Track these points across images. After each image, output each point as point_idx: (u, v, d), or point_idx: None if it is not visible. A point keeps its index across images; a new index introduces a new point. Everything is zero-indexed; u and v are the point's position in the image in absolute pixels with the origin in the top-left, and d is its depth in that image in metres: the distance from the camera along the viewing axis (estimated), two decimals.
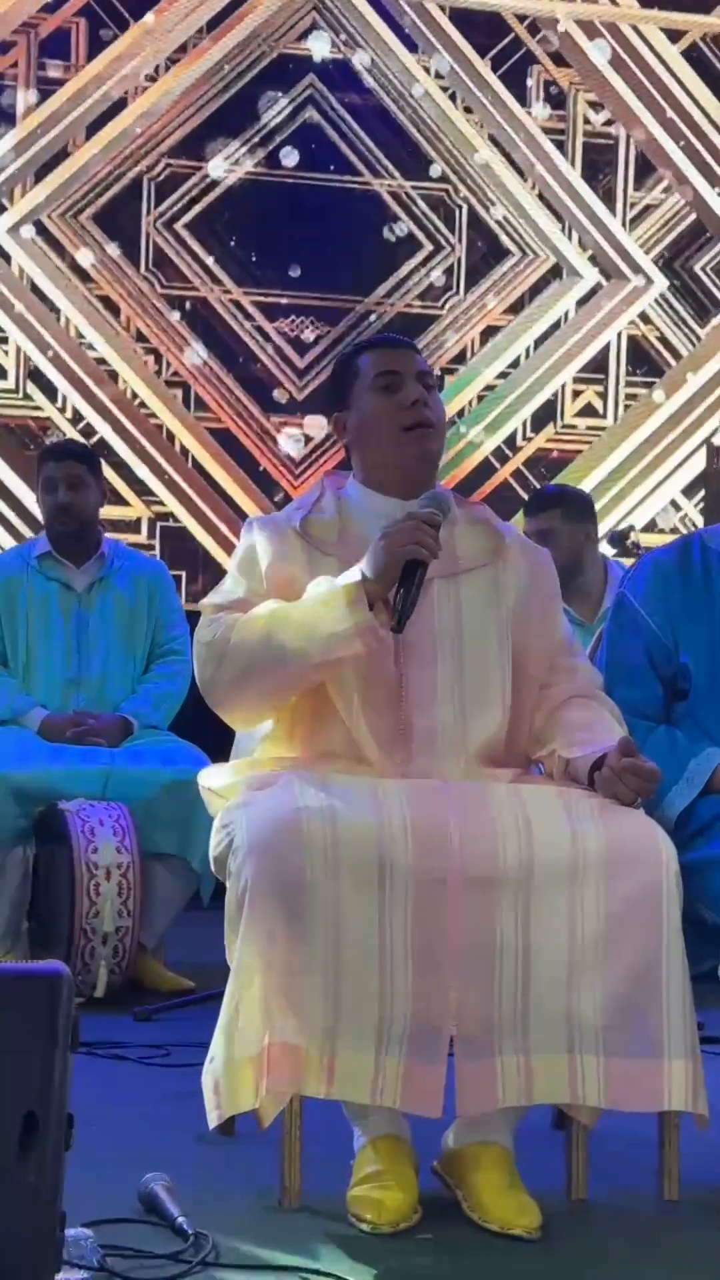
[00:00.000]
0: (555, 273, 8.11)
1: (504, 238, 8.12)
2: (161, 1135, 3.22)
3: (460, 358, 8.08)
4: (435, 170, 8.03)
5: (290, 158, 7.95)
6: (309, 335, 7.91)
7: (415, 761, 2.97)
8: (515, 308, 8.15)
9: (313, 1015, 2.68)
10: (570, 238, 8.11)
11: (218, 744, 3.41)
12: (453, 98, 8.01)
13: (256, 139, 7.97)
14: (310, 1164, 2.82)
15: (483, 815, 2.79)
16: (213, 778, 3.13)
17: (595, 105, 8.24)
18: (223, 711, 3.07)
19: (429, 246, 8.06)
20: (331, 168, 8.00)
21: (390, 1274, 2.54)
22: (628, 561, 5.42)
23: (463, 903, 2.74)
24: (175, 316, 7.68)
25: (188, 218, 7.89)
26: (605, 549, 5.61)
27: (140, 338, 7.72)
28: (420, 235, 8.06)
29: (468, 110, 8.02)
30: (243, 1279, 2.49)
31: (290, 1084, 2.69)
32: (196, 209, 7.89)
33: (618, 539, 5.46)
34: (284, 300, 7.92)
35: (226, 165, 7.92)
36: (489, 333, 8.14)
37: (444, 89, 8.00)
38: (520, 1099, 2.75)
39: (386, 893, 2.73)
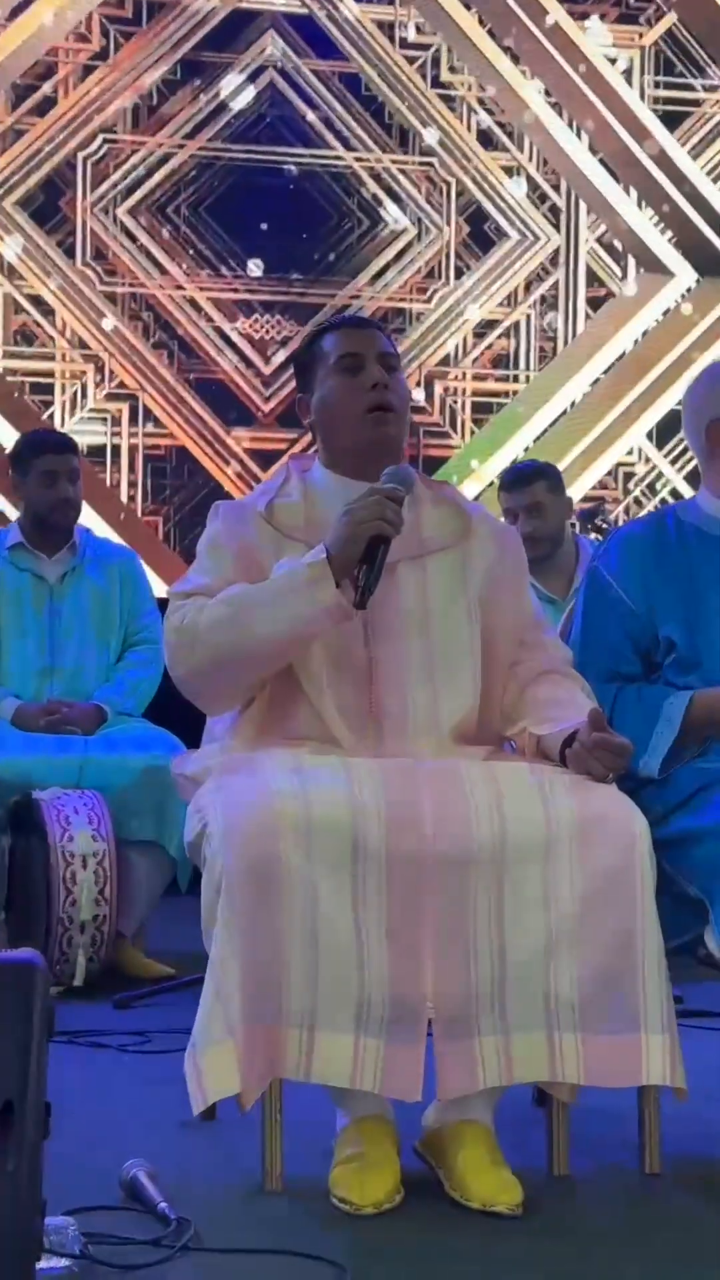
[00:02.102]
0: (542, 260, 7.23)
1: (502, 220, 7.23)
2: (143, 1122, 3.22)
3: (449, 359, 7.23)
4: (427, 138, 7.15)
5: (250, 130, 7.06)
6: (275, 336, 7.10)
7: (387, 743, 2.97)
8: (510, 300, 7.30)
9: (291, 999, 2.69)
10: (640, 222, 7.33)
11: (192, 730, 3.40)
12: (480, 20, 7.10)
13: (210, 108, 7.07)
14: (291, 1147, 2.82)
15: (456, 794, 2.79)
16: (186, 764, 3.14)
17: (610, 60, 7.36)
18: (195, 697, 3.07)
19: (413, 230, 7.27)
20: (304, 123, 7.09)
21: (373, 1255, 2.55)
22: (596, 537, 5.43)
23: (437, 883, 2.74)
24: (119, 316, 6.85)
25: (131, 201, 7.01)
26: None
27: (80, 344, 6.89)
28: (404, 217, 7.23)
29: (508, 52, 7.05)
30: (225, 1263, 2.49)
31: (269, 1068, 2.70)
32: (141, 191, 7.02)
33: (588, 516, 5.47)
34: (246, 296, 7.14)
35: (175, 140, 6.98)
36: (483, 328, 7.28)
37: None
38: (500, 1079, 2.75)
39: (360, 875, 2.73)
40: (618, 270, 7.52)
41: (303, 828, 2.72)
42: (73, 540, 5.08)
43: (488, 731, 3.10)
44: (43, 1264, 2.25)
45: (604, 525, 5.47)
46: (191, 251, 7.09)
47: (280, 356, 7.09)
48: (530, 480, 5.25)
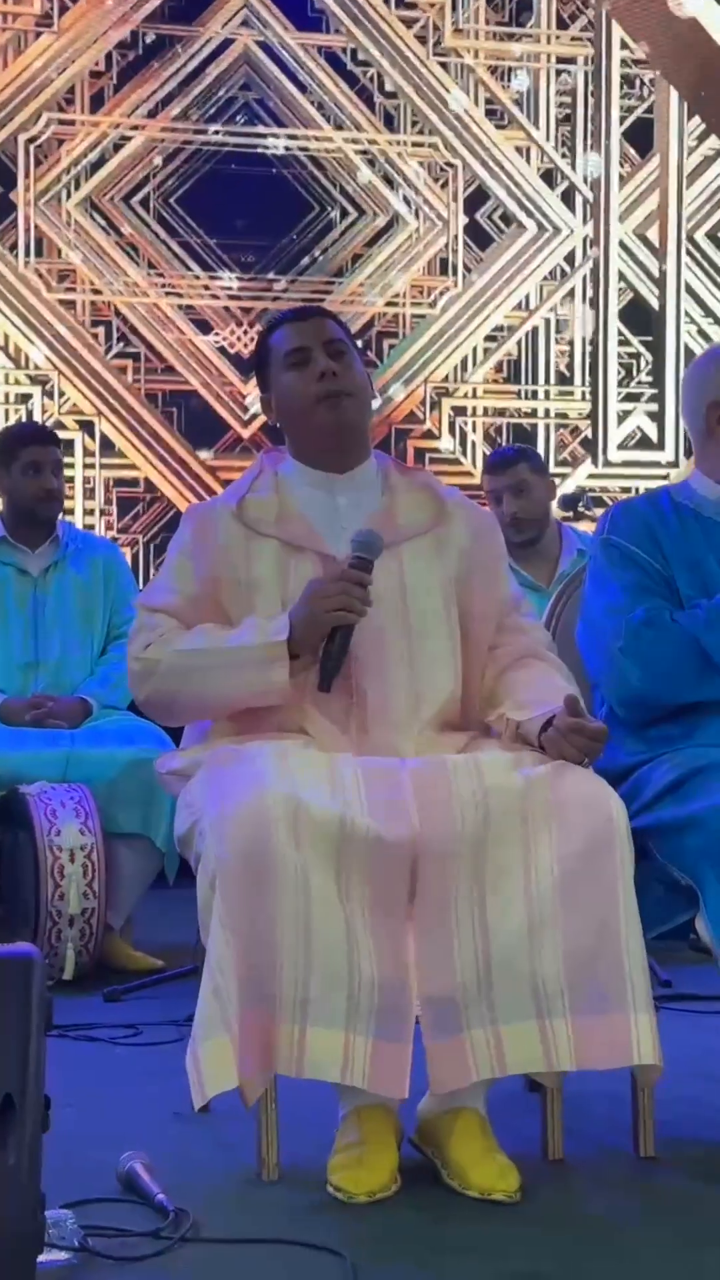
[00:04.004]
0: (563, 256, 6.33)
1: (515, 208, 6.33)
2: (137, 1114, 3.22)
3: (455, 374, 6.29)
4: (429, 115, 6.20)
5: (224, 108, 6.17)
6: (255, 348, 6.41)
7: (370, 732, 2.99)
8: (525, 304, 6.42)
9: (284, 993, 2.70)
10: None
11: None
12: None
13: (176, 83, 6.12)
14: (288, 1136, 2.83)
15: (440, 795, 2.81)
16: (172, 762, 3.15)
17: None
18: (155, 719, 3.21)
19: (414, 222, 6.42)
20: (286, 100, 6.18)
21: (372, 1243, 2.55)
22: (581, 525, 5.44)
23: (419, 877, 2.75)
24: (71, 328, 5.92)
25: (83, 192, 6.03)
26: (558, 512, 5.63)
27: (25, 361, 5.91)
28: (403, 207, 6.33)
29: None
30: (224, 1254, 2.50)
31: (264, 1063, 2.70)
32: (95, 181, 6.03)
33: (570, 502, 5.49)
34: (224, 302, 6.25)
35: (135, 120, 6.01)
36: (497, 335, 6.38)
37: None
38: (493, 1071, 2.76)
39: (345, 869, 2.74)
40: (653, 264, 6.68)
41: (293, 820, 2.73)
42: (55, 534, 5.08)
43: (469, 717, 3.12)
44: (43, 1257, 2.25)
45: (586, 510, 5.49)
46: (156, 251, 6.31)
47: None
48: (514, 461, 5.29)
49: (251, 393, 6.27)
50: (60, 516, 5.14)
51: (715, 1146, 2.97)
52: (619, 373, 6.72)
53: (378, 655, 3.02)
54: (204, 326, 6.22)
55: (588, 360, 6.67)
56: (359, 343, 3.54)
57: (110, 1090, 3.44)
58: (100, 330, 6.18)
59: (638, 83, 6.73)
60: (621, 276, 6.78)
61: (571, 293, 6.66)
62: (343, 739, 2.97)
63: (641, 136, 7.00)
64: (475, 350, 6.44)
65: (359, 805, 2.76)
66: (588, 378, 6.65)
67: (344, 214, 6.54)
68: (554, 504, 5.42)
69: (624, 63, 6.57)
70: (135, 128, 6.12)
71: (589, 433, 6.66)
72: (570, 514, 5.60)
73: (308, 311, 3.26)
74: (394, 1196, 2.73)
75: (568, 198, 6.70)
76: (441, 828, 2.76)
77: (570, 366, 6.77)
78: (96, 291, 6.11)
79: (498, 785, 2.81)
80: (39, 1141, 2.13)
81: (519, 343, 6.61)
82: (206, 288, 6.29)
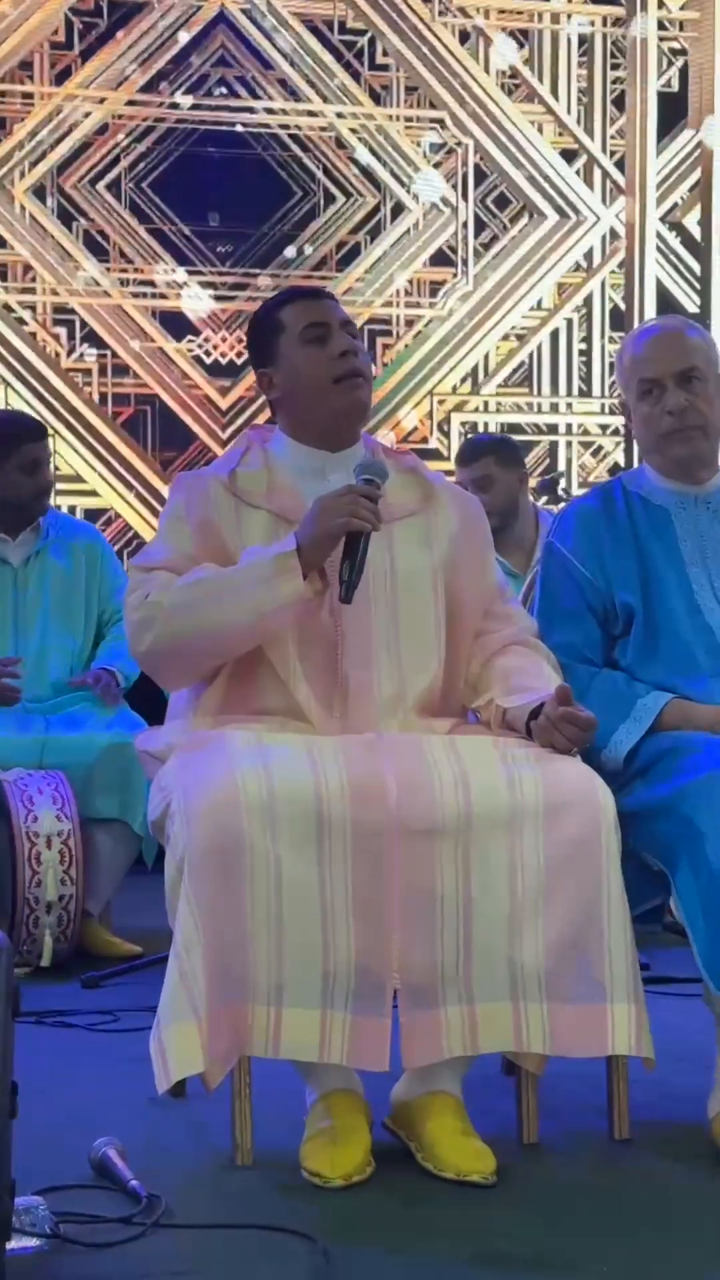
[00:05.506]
0: (590, 246, 5.33)
1: (534, 192, 5.42)
2: (112, 1100, 3.22)
3: (461, 385, 5.60)
4: (434, 86, 5.32)
5: (199, 81, 5.47)
6: (234, 356, 5.50)
7: (353, 714, 2.99)
8: (543, 303, 5.69)
9: (257, 977, 2.70)
10: None
11: (153, 707, 3.40)
12: None
13: (142, 52, 5.39)
14: (261, 1121, 2.83)
15: (419, 768, 2.81)
16: (151, 741, 3.15)
17: None
18: (154, 674, 3.10)
19: (416, 210, 5.67)
20: (269, 70, 5.38)
21: (346, 1227, 2.55)
22: (553, 508, 5.44)
23: (402, 855, 2.75)
24: (21, 333, 5.21)
25: (33, 178, 5.26)
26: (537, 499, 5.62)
27: None
28: (404, 192, 5.61)
29: None
30: (197, 1239, 2.50)
31: (236, 1047, 2.71)
32: (46, 164, 5.27)
33: (547, 487, 5.48)
34: (200, 303, 5.56)
35: (94, 93, 5.29)
36: (513, 339, 5.68)
37: None
38: (466, 1049, 2.77)
39: (325, 848, 2.73)
40: (693, 261, 5.88)
41: (266, 806, 2.73)
42: (36, 522, 5.03)
43: (452, 703, 3.12)
44: (13, 1244, 2.25)
45: (564, 495, 5.48)
46: (120, 245, 5.60)
47: (241, 385, 5.32)
48: (481, 454, 5.26)
49: (229, 408, 5.71)
50: None
51: (689, 1128, 2.98)
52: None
53: (365, 634, 3.03)
54: (174, 332, 5.46)
55: (608, 367, 5.94)
56: None
57: (86, 1076, 3.44)
58: (61, 332, 5.50)
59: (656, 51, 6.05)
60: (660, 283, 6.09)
61: (590, 292, 5.92)
62: (326, 719, 2.97)
63: (663, 114, 6.27)
64: (488, 358, 5.69)
65: (337, 784, 2.76)
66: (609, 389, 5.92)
67: (340, 200, 5.86)
68: (529, 492, 5.40)
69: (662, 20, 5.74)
70: (100, 100, 5.38)
71: (619, 451, 5.99)
72: (548, 498, 5.59)
73: (318, 291, 3.27)
74: (368, 1180, 2.73)
75: (587, 177, 5.85)
76: (420, 808, 2.76)
77: (588, 376, 6.11)
78: (51, 290, 5.38)
79: (481, 772, 2.81)
80: (7, 1127, 2.12)
81: (533, 353, 5.83)
82: (171, 288, 5.56)
